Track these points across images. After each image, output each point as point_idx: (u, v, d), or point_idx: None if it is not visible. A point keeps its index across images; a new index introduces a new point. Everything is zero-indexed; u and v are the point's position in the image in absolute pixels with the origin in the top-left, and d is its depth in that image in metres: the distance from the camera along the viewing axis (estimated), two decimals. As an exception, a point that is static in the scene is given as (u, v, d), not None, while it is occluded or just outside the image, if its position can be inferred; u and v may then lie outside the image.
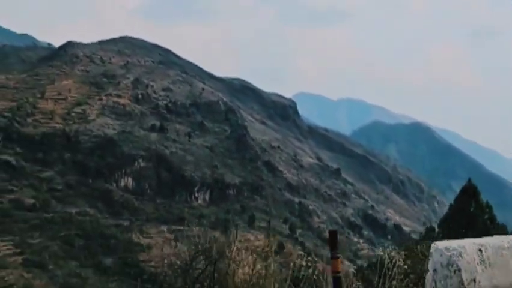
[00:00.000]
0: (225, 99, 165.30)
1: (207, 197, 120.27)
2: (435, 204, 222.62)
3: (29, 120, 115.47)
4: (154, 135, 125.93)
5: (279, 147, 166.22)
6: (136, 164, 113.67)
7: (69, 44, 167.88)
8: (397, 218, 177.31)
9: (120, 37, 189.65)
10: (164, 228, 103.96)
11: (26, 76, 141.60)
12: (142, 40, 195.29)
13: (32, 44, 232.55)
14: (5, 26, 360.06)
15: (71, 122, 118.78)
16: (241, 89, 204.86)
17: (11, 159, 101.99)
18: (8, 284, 68.97)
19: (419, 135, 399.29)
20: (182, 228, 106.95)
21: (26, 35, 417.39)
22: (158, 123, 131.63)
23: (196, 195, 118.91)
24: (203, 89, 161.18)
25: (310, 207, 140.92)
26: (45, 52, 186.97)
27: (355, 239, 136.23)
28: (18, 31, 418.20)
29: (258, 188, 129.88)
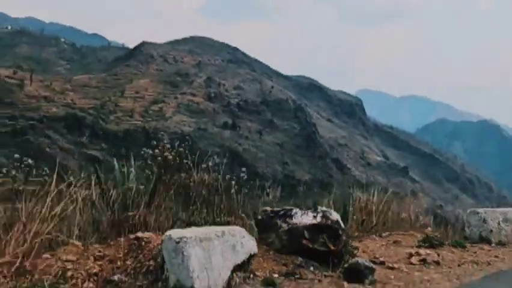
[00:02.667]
0: (293, 97, 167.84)
1: (278, 193, 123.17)
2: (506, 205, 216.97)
3: (112, 117, 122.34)
4: (227, 133, 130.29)
5: (346, 144, 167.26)
6: (211, 160, 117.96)
7: (143, 44, 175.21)
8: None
9: (190, 37, 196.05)
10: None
11: (105, 75, 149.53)
12: (211, 39, 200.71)
13: (106, 45, 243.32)
14: (78, 27, 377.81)
15: (149, 120, 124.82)
16: (308, 87, 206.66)
17: (97, 154, 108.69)
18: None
19: (486, 133, 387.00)
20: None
21: (96, 35, 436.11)
22: (230, 121, 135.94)
23: (268, 191, 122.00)
24: (272, 87, 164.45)
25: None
26: (119, 52, 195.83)
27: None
28: (89, 31, 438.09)
29: (327, 185, 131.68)
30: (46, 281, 4.31)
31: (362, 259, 5.65)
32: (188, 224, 6.31)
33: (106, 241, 5.41)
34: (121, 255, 4.97)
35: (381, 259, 6.78)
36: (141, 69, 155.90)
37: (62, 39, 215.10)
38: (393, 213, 9.99)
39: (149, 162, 7.50)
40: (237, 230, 5.15)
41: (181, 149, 7.60)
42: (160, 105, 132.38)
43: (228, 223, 6.70)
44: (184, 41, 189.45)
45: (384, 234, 9.11)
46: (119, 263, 4.85)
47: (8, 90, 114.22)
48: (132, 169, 7.34)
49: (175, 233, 4.53)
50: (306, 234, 5.21)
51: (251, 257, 5.14)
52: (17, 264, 4.48)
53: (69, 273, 4.56)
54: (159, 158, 7.28)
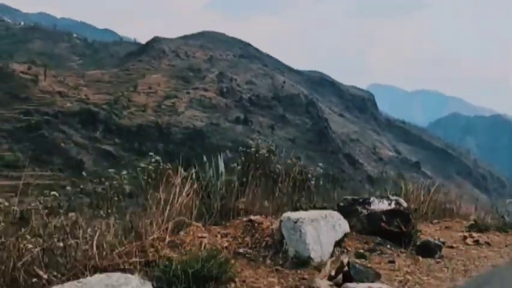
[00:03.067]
0: (305, 92, 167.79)
1: (289, 188, 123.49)
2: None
3: (125, 112, 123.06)
4: (239, 127, 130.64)
5: (358, 139, 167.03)
6: (224, 155, 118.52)
7: (155, 40, 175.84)
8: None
9: (202, 32, 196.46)
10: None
11: (118, 70, 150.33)
12: (223, 34, 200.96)
13: (118, 40, 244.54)
14: (89, 22, 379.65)
15: (162, 115, 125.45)
16: (320, 82, 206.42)
17: (111, 149, 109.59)
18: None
19: (499, 128, 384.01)
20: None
21: (107, 30, 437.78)
22: (242, 116, 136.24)
23: (280, 185, 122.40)
24: (284, 82, 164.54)
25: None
26: (131, 47, 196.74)
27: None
28: (100, 27, 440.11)
29: (339, 180, 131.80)
30: (201, 250, 5.25)
31: (431, 238, 7.04)
32: (294, 209, 7.83)
33: (221, 223, 6.64)
34: (239, 234, 6.24)
35: (441, 240, 7.74)
36: (153, 65, 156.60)
37: (75, 35, 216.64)
38: (440, 202, 11.35)
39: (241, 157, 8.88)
40: (335, 213, 6.56)
41: (271, 147, 8.87)
42: (173, 101, 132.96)
43: (324, 208, 7.99)
44: (196, 36, 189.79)
45: (434, 221, 10.39)
46: (240, 240, 6.10)
47: (23, 86, 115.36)
48: (222, 164, 8.73)
49: (291, 215, 5.99)
50: (383, 218, 6.43)
51: (345, 235, 6.55)
52: (168, 238, 5.54)
53: (207, 247, 5.50)
54: (255, 153, 8.63)
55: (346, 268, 4.87)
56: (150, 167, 6.67)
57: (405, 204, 6.78)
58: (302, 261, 5.57)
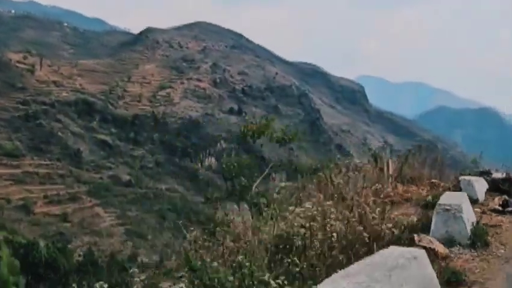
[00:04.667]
0: (296, 83, 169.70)
1: (283, 178, 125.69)
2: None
3: (120, 102, 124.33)
4: (233, 118, 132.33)
5: (349, 131, 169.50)
6: (219, 145, 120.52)
7: (148, 30, 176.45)
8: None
9: (195, 22, 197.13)
10: (245, 205, 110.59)
11: (112, 61, 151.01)
12: (216, 25, 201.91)
13: (108, 29, 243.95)
14: (78, 10, 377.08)
15: (157, 105, 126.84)
16: (311, 73, 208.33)
17: (107, 138, 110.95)
18: (118, 250, 77.00)
19: (486, 120, 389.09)
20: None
21: (97, 19, 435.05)
22: (236, 107, 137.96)
23: (274, 175, 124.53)
24: (276, 73, 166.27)
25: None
26: (123, 37, 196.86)
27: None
28: (89, 15, 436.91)
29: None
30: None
31: None
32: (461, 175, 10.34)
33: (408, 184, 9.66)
34: (429, 189, 9.25)
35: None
36: (147, 55, 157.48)
37: (65, 24, 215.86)
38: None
39: None
40: (480, 178, 9.59)
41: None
42: (168, 91, 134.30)
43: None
44: (189, 26, 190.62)
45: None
46: (427, 193, 8.92)
47: (20, 75, 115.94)
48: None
49: (466, 177, 9.10)
50: (500, 181, 9.26)
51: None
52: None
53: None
54: None
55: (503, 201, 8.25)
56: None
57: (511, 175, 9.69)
58: (473, 201, 8.49)
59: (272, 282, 4.38)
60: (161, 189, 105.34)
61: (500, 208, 7.89)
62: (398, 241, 5.27)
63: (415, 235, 5.71)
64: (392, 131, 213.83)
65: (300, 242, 5.38)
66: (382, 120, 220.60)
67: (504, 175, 9.66)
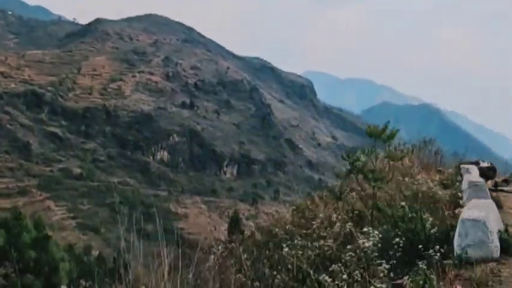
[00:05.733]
0: (247, 78, 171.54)
1: (234, 171, 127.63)
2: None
3: (70, 94, 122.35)
4: (185, 112, 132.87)
5: (298, 125, 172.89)
6: (171, 138, 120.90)
7: (98, 21, 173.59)
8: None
9: (145, 15, 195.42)
10: (197, 199, 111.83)
11: (60, 52, 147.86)
12: (166, 18, 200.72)
13: (52, 18, 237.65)
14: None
15: (108, 97, 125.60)
16: (261, 68, 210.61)
17: (57, 131, 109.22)
18: (70, 244, 76.52)
19: (428, 116, 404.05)
20: (213, 199, 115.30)
21: (39, 7, 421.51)
22: (188, 101, 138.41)
23: (225, 169, 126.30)
24: (228, 68, 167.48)
25: (329, 184, 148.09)
26: (70, 27, 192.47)
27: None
28: (32, 3, 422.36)
29: (281, 164, 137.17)
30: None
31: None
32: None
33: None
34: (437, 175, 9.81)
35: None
36: (96, 46, 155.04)
37: (10, 12, 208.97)
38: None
39: None
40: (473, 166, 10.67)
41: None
42: (119, 84, 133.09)
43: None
44: (139, 18, 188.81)
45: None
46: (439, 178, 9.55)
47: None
48: None
49: (465, 165, 9.77)
50: (486, 170, 10.24)
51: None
52: None
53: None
54: None
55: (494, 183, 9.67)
56: None
57: (493, 165, 11.02)
58: None
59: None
60: (113, 182, 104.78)
61: (493, 187, 9.33)
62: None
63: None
64: (339, 126, 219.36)
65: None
66: (330, 115, 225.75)
67: (489, 164, 11.85)
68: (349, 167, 6.42)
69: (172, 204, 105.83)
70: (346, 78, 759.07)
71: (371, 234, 3.90)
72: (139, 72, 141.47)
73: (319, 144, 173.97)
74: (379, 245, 4.16)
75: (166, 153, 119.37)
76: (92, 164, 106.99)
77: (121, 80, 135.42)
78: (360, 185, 6.51)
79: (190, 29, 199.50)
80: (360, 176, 6.23)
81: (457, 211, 5.20)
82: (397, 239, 4.17)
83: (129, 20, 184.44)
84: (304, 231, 5.72)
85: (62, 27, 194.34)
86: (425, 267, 3.73)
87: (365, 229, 4.58)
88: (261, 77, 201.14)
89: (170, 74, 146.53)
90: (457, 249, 4.21)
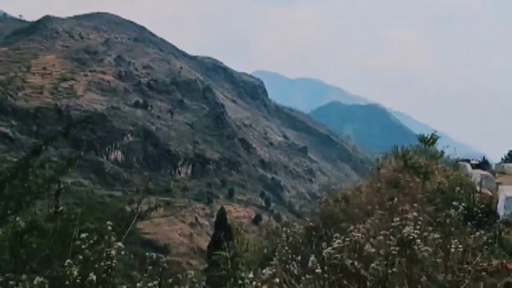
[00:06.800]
0: (200, 77, 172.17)
1: (189, 171, 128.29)
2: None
3: (20, 94, 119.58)
4: (139, 112, 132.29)
5: (251, 125, 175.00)
6: (125, 138, 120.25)
7: (47, 18, 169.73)
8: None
9: (95, 13, 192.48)
10: (152, 199, 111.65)
11: (7, 49, 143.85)
12: (117, 16, 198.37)
13: (1, 15, 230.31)
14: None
15: (60, 97, 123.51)
16: (213, 68, 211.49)
17: (7, 131, 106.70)
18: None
19: (374, 116, 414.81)
20: (169, 199, 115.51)
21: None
22: (141, 100, 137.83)
23: (180, 168, 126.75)
24: (181, 67, 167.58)
25: (282, 182, 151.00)
26: (17, 25, 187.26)
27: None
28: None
29: (235, 164, 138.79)
30: None
31: None
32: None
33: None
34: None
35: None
36: (46, 45, 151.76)
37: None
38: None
39: None
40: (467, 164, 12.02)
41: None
42: (70, 83, 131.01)
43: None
44: (89, 16, 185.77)
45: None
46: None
47: None
48: None
49: (461, 162, 11.51)
50: (475, 166, 11.67)
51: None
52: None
53: None
54: None
55: None
56: None
57: (480, 161, 12.72)
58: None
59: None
60: (66, 183, 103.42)
61: None
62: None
63: None
64: (290, 125, 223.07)
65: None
66: (281, 115, 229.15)
67: (477, 162, 13.10)
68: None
69: (128, 205, 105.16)
70: (296, 78, 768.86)
71: (458, 208, 5.56)
72: (91, 71, 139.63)
73: (271, 144, 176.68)
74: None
75: (120, 153, 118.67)
76: (45, 165, 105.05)
77: (72, 79, 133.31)
78: (411, 177, 8.17)
79: (142, 28, 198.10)
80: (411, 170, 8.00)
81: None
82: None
83: (79, 18, 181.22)
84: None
85: (8, 24, 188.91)
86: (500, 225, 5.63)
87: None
88: (213, 77, 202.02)
89: (123, 73, 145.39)
90: (502, 216, 6.19)
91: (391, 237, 4.34)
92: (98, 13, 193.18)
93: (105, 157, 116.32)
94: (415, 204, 5.63)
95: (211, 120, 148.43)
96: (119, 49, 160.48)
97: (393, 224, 4.54)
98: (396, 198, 6.44)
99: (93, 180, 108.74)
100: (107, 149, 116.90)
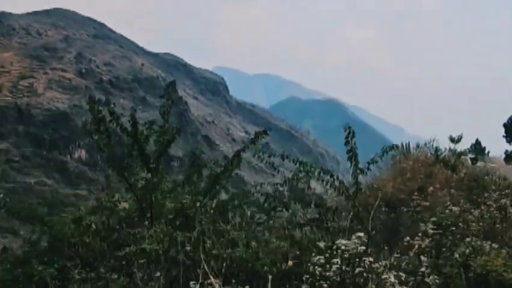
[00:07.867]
0: (162, 74, 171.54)
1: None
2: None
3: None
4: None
5: (213, 122, 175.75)
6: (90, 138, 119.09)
7: (2, 15, 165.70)
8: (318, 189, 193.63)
9: (53, 9, 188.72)
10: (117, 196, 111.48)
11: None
12: (75, 12, 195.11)
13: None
14: None
15: (20, 95, 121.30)
16: (174, 64, 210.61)
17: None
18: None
19: (332, 111, 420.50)
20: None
21: None
22: (103, 98, 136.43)
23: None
24: (143, 64, 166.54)
25: (245, 178, 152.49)
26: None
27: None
28: None
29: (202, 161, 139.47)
30: None
31: None
32: None
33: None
34: None
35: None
36: (2, 42, 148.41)
37: None
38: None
39: None
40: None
41: None
42: (30, 81, 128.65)
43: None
44: (47, 13, 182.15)
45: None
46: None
47: None
48: None
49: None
50: None
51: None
52: None
53: None
54: None
55: None
56: None
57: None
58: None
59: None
60: (30, 183, 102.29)
61: None
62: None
63: None
64: (251, 121, 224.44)
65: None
66: (243, 111, 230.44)
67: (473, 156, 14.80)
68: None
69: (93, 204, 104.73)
70: (254, 73, 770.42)
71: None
72: (51, 69, 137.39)
73: (234, 140, 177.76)
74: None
75: (83, 152, 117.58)
76: (6, 165, 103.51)
77: (32, 77, 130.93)
78: (441, 169, 9.77)
79: (101, 25, 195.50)
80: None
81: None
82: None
83: (36, 14, 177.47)
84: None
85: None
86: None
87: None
88: (174, 74, 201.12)
89: (84, 70, 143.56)
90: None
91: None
92: (55, 9, 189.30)
93: (69, 156, 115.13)
94: (452, 190, 7.23)
95: (174, 118, 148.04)
96: (79, 46, 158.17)
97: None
98: (431, 187, 8.08)
99: (57, 180, 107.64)
100: (70, 147, 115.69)
